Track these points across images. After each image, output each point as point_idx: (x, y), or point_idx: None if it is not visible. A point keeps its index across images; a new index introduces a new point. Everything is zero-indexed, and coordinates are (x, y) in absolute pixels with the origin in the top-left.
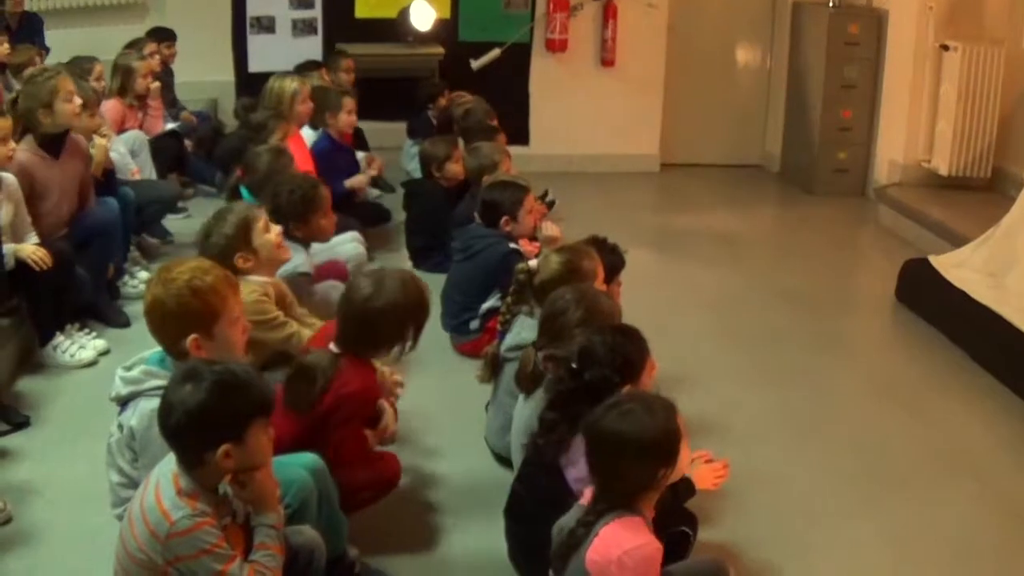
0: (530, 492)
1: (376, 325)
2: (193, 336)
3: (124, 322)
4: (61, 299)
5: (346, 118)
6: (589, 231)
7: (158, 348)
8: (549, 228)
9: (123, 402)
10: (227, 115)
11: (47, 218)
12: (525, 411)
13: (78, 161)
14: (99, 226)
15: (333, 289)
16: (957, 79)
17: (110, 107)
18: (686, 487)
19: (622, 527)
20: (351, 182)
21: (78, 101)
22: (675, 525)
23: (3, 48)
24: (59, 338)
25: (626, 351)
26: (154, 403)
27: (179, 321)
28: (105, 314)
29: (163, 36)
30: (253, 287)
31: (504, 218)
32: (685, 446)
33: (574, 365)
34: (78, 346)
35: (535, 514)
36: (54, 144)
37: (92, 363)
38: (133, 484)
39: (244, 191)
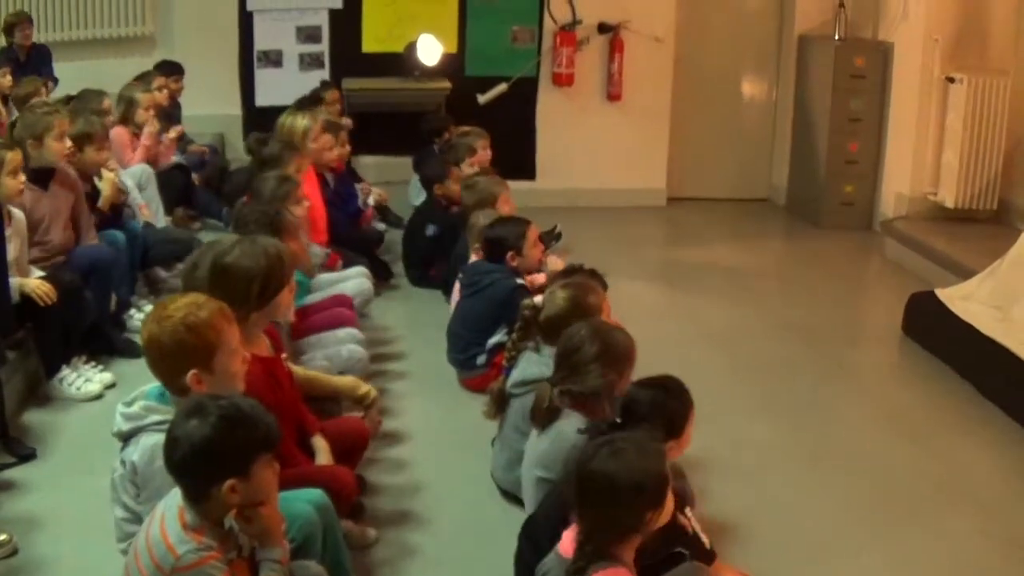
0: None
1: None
2: (193, 371)
3: (137, 352)
4: (68, 331)
5: (338, 150)
6: (595, 265)
7: (158, 384)
8: (555, 263)
9: (125, 438)
10: (234, 149)
11: (35, 248)
12: (540, 445)
13: (68, 192)
14: (95, 262)
15: (341, 345)
16: (963, 111)
17: (117, 133)
18: (687, 504)
19: None
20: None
21: (68, 143)
22: (672, 545)
23: (6, 80)
24: (65, 371)
25: (670, 408)
26: (156, 438)
27: (177, 358)
28: (115, 345)
29: (171, 70)
30: None
31: (510, 253)
32: (670, 491)
33: (618, 420)
34: (84, 379)
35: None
36: (42, 176)
37: (98, 396)
38: (137, 519)
39: None
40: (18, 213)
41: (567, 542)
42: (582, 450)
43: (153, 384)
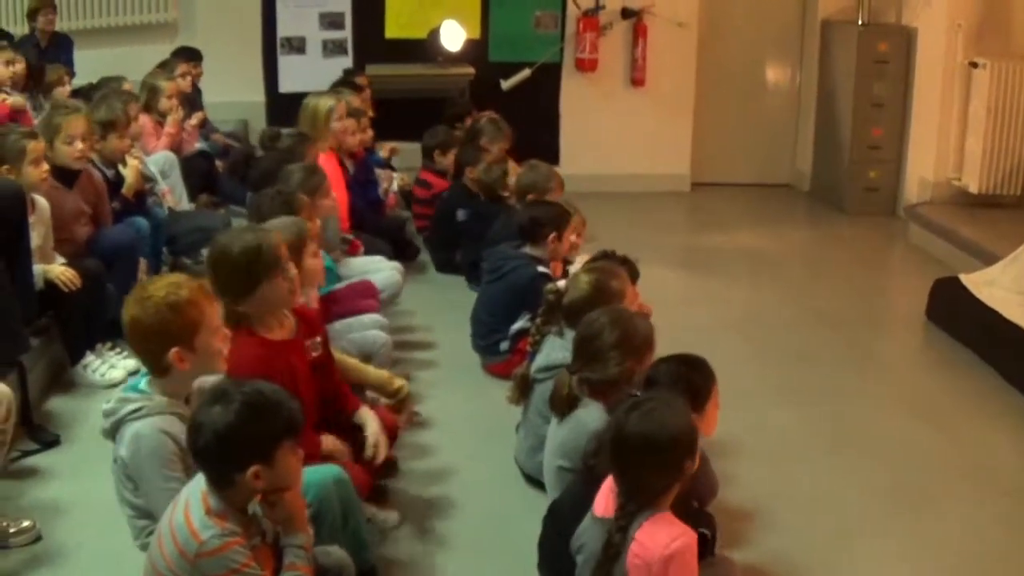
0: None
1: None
2: (175, 349)
3: None
4: (92, 318)
5: (360, 135)
6: (619, 251)
7: (134, 379)
8: (582, 261)
9: (112, 436)
10: (257, 136)
11: (59, 246)
12: (560, 433)
13: (92, 192)
14: (119, 246)
15: (366, 330)
16: (986, 96)
17: (140, 121)
18: (708, 490)
19: (656, 525)
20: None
21: (79, 145)
22: (694, 527)
23: (19, 67)
24: (89, 357)
25: (689, 380)
26: (134, 427)
27: (159, 337)
28: None
29: (190, 56)
30: None
31: (552, 235)
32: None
33: (638, 393)
34: (108, 365)
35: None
36: (68, 176)
37: (122, 382)
38: (144, 514)
39: None
40: (42, 201)
41: (602, 503)
42: (614, 416)
43: (130, 381)
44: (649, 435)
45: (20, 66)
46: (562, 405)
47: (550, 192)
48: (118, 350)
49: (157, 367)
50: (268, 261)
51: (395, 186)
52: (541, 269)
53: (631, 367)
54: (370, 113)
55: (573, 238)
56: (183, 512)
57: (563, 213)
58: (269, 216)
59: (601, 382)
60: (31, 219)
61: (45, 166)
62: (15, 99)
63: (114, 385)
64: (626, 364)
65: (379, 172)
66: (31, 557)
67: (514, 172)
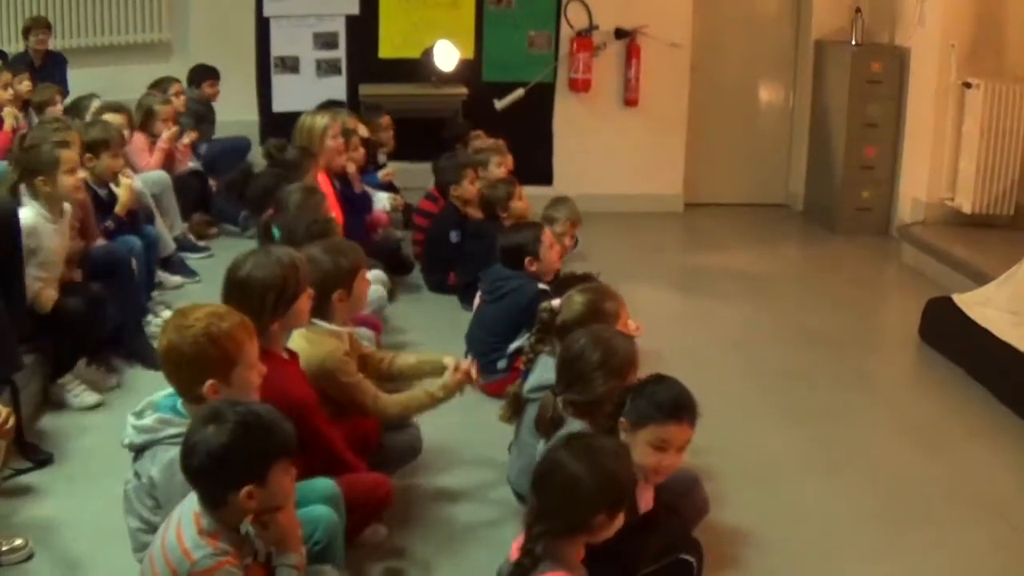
0: None
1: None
2: (210, 382)
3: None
4: (84, 338)
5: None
6: (613, 271)
7: (167, 392)
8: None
9: (137, 450)
10: (252, 155)
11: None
12: None
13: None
14: (112, 261)
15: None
16: (980, 116)
17: (135, 140)
18: (697, 510)
19: None
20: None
21: (81, 174)
22: (680, 553)
23: (25, 85)
24: (67, 377)
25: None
26: (172, 452)
27: (195, 367)
28: (140, 354)
29: (207, 73)
30: (332, 340)
31: (528, 258)
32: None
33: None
34: (85, 390)
35: None
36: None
37: (96, 406)
38: (154, 530)
39: (276, 230)
40: (67, 207)
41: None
42: (555, 439)
43: (162, 395)
44: (575, 474)
45: (22, 85)
46: (547, 427)
47: (557, 223)
48: (104, 369)
49: (190, 396)
50: (301, 278)
51: (388, 206)
52: (542, 286)
53: (615, 386)
54: (392, 143)
55: (550, 254)
56: (175, 532)
57: (534, 234)
58: (303, 242)
59: (586, 403)
60: (54, 227)
61: (80, 174)
62: (7, 111)
63: (87, 409)
64: (611, 383)
65: (371, 191)
66: (23, 575)
67: (519, 196)
